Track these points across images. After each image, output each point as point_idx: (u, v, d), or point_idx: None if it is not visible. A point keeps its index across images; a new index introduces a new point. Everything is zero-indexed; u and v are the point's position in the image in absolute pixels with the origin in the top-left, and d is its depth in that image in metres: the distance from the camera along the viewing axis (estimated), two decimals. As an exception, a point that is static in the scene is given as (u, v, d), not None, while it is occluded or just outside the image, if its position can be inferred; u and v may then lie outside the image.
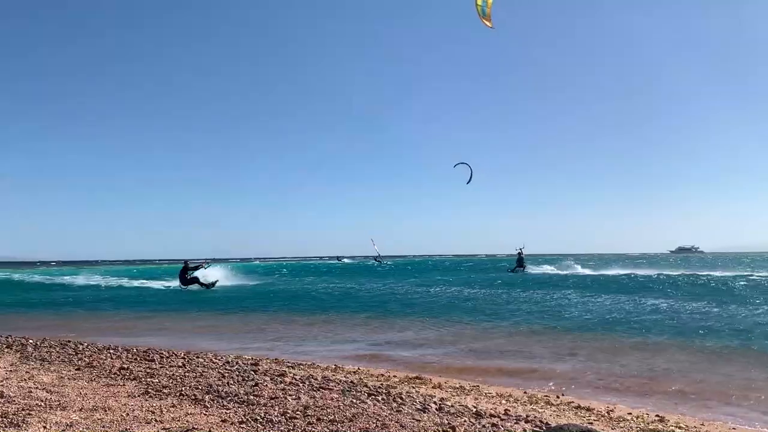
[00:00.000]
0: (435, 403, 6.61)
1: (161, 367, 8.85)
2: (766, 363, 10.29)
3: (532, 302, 22.77)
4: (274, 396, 6.66)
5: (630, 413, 7.05)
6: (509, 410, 6.61)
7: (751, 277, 37.18)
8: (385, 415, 5.92)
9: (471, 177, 27.78)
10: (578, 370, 10.09)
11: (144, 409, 5.99)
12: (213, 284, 33.35)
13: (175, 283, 35.00)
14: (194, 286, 32.78)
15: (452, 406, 6.52)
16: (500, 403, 7.20)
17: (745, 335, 13.22)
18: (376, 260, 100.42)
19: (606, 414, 6.92)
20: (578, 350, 11.94)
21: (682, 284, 32.80)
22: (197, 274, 33.50)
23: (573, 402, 7.51)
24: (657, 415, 6.94)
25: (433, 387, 8.17)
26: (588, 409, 7.12)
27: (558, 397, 7.87)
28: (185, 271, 33.77)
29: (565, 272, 52.45)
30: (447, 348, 12.58)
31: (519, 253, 53.59)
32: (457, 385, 8.42)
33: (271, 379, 7.88)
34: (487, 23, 8.73)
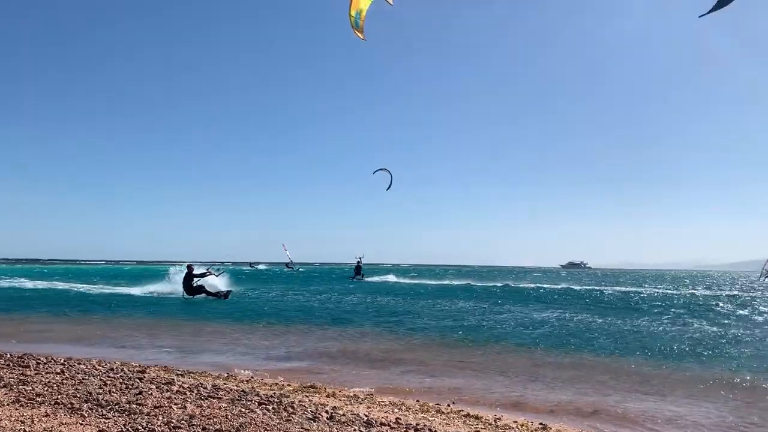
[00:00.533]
0: (327, 412, 6.55)
1: (36, 374, 8.24)
2: (630, 372, 11.08)
3: (430, 310, 23.31)
4: (158, 405, 6.36)
5: (516, 421, 7.30)
6: (400, 419, 6.68)
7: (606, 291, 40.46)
8: (274, 425, 5.80)
9: (391, 183, 28.00)
10: (470, 379, 10.39)
11: (13, 419, 5.55)
12: (227, 294, 28.11)
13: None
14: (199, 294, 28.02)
15: (344, 415, 6.49)
16: (392, 411, 7.25)
17: (622, 345, 14.21)
18: (287, 266, 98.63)
19: (493, 422, 7.14)
20: (471, 360, 12.30)
21: (565, 296, 34.81)
22: (203, 282, 28.55)
23: (463, 410, 7.69)
24: (540, 423, 7.25)
25: (327, 396, 8.10)
26: (476, 418, 7.31)
27: (449, 405, 8.04)
28: (190, 278, 28.57)
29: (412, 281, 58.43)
30: (345, 357, 12.57)
31: (358, 262, 59.35)
32: (352, 394, 8.42)
33: (157, 388, 7.52)
34: (360, 35, 8.86)
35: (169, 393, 7.18)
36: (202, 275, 28.78)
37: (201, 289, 28.04)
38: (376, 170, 28.07)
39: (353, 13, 8.63)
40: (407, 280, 59.91)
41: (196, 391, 7.39)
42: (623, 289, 49.01)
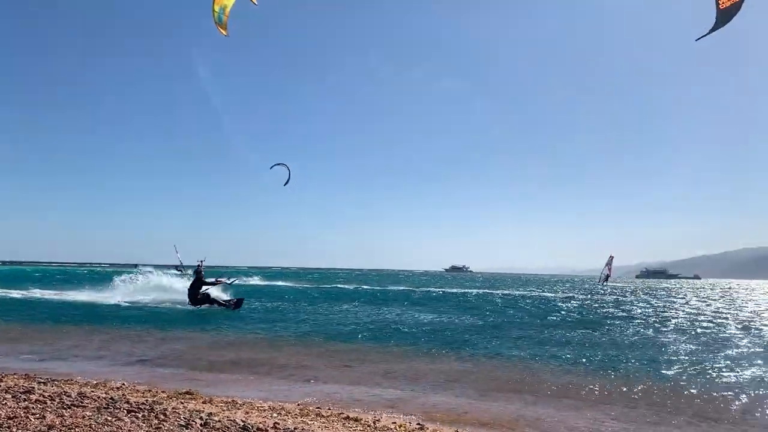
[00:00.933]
0: (201, 418, 6.33)
1: None
2: (504, 372, 11.69)
3: (315, 314, 23.30)
4: (13, 416, 5.86)
5: (395, 422, 7.43)
6: (278, 423, 6.60)
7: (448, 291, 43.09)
8: (143, 434, 5.54)
9: (289, 178, 27.19)
10: (353, 380, 10.48)
11: None
12: (239, 303, 24.88)
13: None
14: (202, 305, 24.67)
15: (219, 421, 6.31)
16: (271, 416, 7.15)
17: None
18: (177, 269, 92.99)
19: (372, 424, 7.23)
20: (354, 361, 12.41)
21: (445, 300, 36.17)
22: (212, 291, 25.38)
23: (343, 413, 7.73)
24: (418, 424, 7.44)
25: (203, 402, 7.84)
26: (356, 420, 7.37)
27: (329, 408, 8.06)
28: (198, 285, 25.14)
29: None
30: (226, 363, 12.25)
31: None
32: (230, 400, 8.20)
33: (13, 397, 6.92)
34: (223, 31, 8.83)
35: (26, 402, 6.63)
36: (213, 284, 25.70)
37: (207, 298, 24.92)
38: (273, 165, 27.06)
39: (217, 8, 8.55)
40: (290, 283, 60.25)
41: (58, 400, 6.87)
42: (493, 291, 53.77)
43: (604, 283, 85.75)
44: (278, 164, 27.27)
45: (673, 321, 23.97)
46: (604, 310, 29.95)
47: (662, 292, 62.82)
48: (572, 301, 38.85)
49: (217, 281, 26.09)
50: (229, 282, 26.86)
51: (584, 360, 13.27)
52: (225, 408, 7.50)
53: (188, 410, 6.89)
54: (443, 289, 55.27)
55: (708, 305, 37.24)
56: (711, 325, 22.52)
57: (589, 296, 48.32)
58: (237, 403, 8.01)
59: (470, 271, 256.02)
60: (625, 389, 10.34)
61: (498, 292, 53.08)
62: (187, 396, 8.26)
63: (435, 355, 13.60)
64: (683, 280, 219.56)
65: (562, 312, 28.09)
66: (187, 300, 25.17)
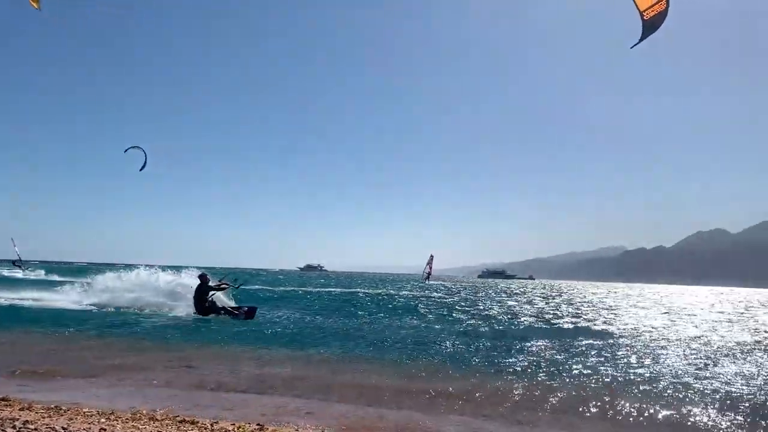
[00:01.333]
0: (14, 427, 5.83)
1: None
2: (347, 370, 12.01)
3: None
4: None
5: (234, 424, 7.32)
6: (105, 429, 6.26)
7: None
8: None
9: (145, 163, 25.07)
10: (194, 383, 10.16)
11: None
12: (252, 312, 21.69)
13: None
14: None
15: (36, 429, 5.84)
16: (98, 422, 6.74)
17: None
18: (15, 264, 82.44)
19: (209, 426, 7.07)
20: (195, 361, 12.04)
21: (297, 298, 36.30)
22: (220, 299, 22.16)
23: (178, 416, 7.48)
24: (258, 424, 7.38)
25: (20, 409, 7.19)
26: (192, 422, 7.17)
27: (164, 411, 7.76)
28: (204, 292, 21.73)
29: None
30: (60, 361, 11.32)
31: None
32: (53, 406, 7.60)
33: None
34: (35, 5, 8.71)
35: None
36: (218, 288, 22.31)
37: (214, 306, 21.62)
38: (128, 148, 24.86)
39: None
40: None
41: None
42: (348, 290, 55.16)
43: (426, 281, 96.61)
44: (133, 147, 24.97)
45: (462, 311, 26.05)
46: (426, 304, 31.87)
47: (489, 290, 67.85)
48: (412, 299, 40.73)
49: (222, 284, 22.80)
50: (236, 286, 23.55)
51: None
52: (46, 415, 6.94)
53: (0, 419, 6.30)
54: (303, 289, 55.13)
55: (509, 298, 41.09)
56: (506, 317, 24.80)
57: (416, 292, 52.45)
58: (61, 409, 7.45)
59: (325, 270, 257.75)
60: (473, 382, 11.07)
61: (359, 290, 55.16)
62: (2, 403, 7.53)
63: (283, 357, 13.57)
64: (519, 280, 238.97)
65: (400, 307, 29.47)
66: (193, 310, 21.88)
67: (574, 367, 12.98)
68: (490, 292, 67.13)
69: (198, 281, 22.13)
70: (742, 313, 37.88)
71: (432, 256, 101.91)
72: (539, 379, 11.62)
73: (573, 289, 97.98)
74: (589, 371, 12.47)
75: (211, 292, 21.79)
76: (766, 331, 23.55)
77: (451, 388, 10.36)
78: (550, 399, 9.92)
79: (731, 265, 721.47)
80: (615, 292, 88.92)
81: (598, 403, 9.61)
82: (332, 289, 54.92)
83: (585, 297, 59.34)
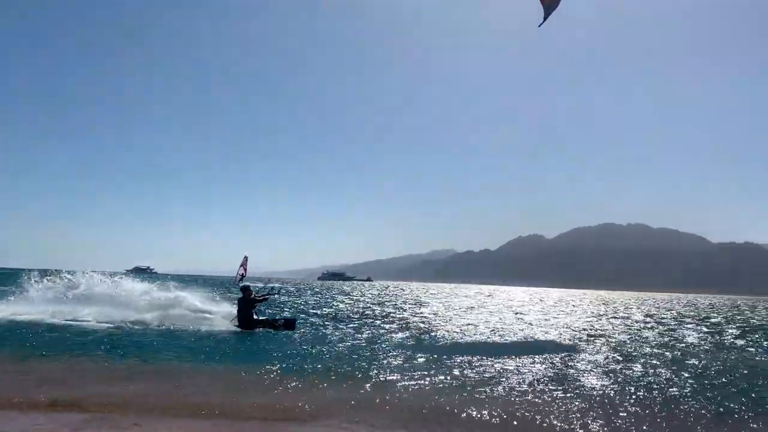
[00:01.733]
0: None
1: None
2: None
3: None
4: None
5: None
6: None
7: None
8: None
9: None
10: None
11: None
12: (292, 323, 20.60)
13: None
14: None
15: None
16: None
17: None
18: None
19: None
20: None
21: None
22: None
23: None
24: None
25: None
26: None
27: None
28: (249, 305, 20.19)
29: None
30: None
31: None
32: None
33: None
34: None
35: None
36: (263, 299, 21.51)
37: (262, 321, 20.39)
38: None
39: None
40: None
41: None
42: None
43: (239, 283, 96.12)
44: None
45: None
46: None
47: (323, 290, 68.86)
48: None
49: (264, 296, 22.14)
50: (278, 295, 22.77)
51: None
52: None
53: None
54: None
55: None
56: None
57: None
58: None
59: (155, 273, 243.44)
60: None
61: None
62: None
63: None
64: (358, 282, 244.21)
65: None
66: (237, 325, 20.29)
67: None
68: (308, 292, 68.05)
69: (243, 295, 20.99)
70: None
71: (246, 257, 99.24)
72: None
73: (400, 289, 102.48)
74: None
75: (258, 304, 21.14)
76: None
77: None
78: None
79: (545, 268, 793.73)
80: (434, 292, 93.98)
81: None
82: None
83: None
